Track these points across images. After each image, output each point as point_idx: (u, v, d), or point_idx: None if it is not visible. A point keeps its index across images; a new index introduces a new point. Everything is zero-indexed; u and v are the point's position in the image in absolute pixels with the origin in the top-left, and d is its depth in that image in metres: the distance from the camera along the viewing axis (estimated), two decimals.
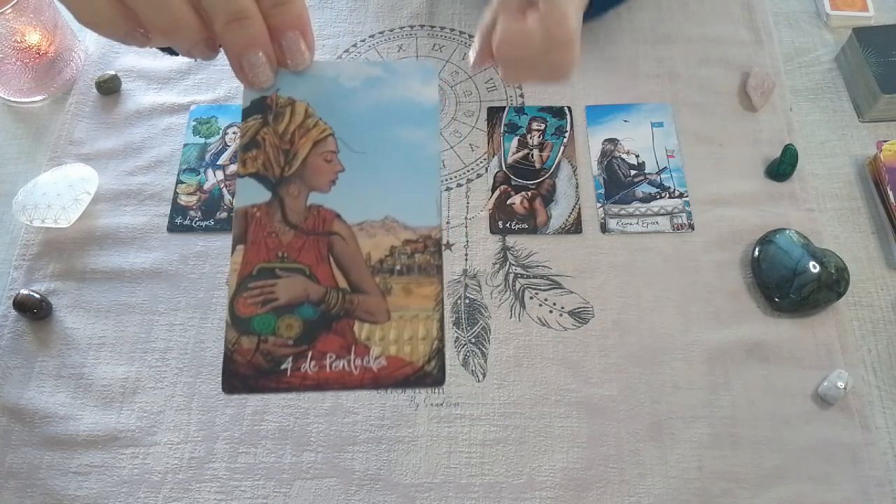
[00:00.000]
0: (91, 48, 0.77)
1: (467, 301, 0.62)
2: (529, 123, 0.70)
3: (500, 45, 0.50)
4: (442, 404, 0.57)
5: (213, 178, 0.68)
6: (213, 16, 0.30)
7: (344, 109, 0.36)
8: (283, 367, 0.32)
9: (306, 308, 0.33)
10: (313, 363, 0.32)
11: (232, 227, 0.34)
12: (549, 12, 0.49)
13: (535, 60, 0.50)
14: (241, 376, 0.31)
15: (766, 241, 0.61)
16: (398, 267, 0.33)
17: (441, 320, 0.32)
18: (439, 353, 0.32)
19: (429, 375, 0.32)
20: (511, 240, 0.64)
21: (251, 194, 0.34)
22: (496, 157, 0.69)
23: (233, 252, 0.33)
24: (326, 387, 0.31)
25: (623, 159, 0.68)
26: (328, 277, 0.33)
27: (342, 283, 0.33)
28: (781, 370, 0.58)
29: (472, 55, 0.53)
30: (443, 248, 0.34)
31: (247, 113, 0.36)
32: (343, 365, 0.32)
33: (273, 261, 0.33)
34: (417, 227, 0.34)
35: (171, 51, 0.51)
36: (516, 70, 0.52)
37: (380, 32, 0.77)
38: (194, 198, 0.68)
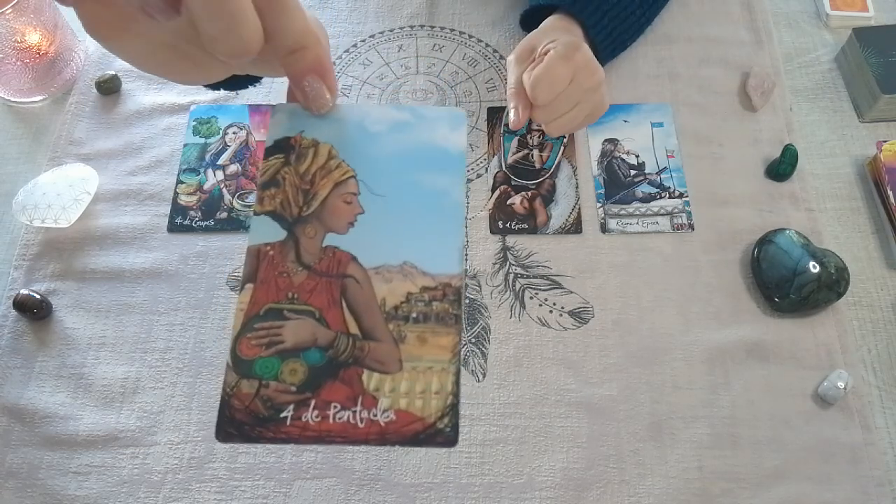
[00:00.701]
0: (91, 48, 0.77)
1: (467, 301, 0.62)
2: (529, 123, 0.70)
3: (534, 89, 0.55)
4: None
5: (213, 179, 0.68)
6: (278, 45, 0.31)
7: (368, 152, 0.35)
8: (283, 415, 0.30)
9: (313, 353, 0.31)
10: (316, 413, 0.30)
11: (243, 264, 0.33)
12: (560, 44, 0.56)
13: (571, 95, 0.55)
14: (237, 423, 0.30)
15: (765, 241, 0.61)
16: (414, 314, 0.32)
17: (457, 374, 0.30)
18: (453, 410, 0.30)
19: (440, 434, 0.29)
20: (511, 240, 0.64)
21: (265, 233, 0.33)
22: (496, 157, 0.69)
23: (241, 290, 0.32)
24: (328, 440, 0.29)
25: (623, 159, 0.68)
26: (339, 322, 0.32)
27: (353, 329, 0.32)
28: (781, 370, 0.58)
29: (511, 115, 0.57)
30: (463, 298, 0.33)
31: (269, 152, 0.35)
32: (348, 416, 0.30)
33: (282, 301, 0.32)
34: (437, 275, 0.32)
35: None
36: (557, 110, 0.58)
37: (380, 32, 0.77)
38: (194, 198, 0.68)
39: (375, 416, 0.30)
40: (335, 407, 0.30)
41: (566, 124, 0.60)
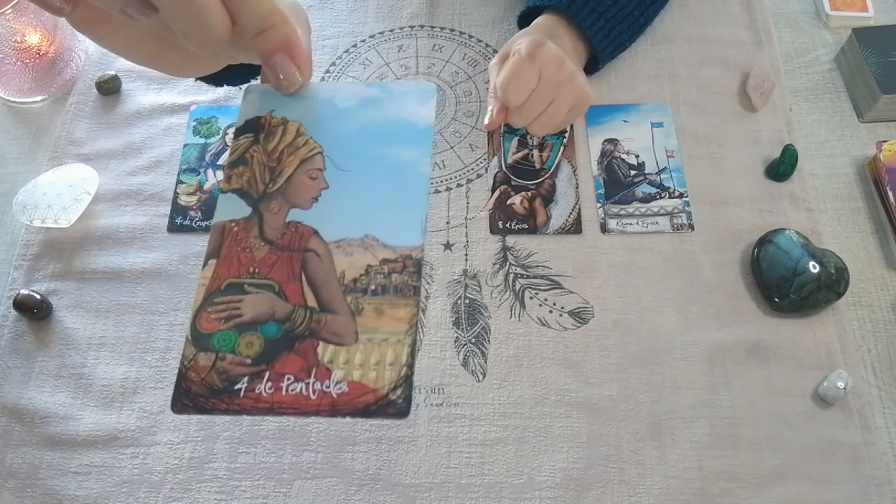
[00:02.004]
0: (91, 48, 0.77)
1: (467, 301, 0.62)
2: None
3: (504, 93, 0.57)
4: (442, 404, 0.57)
5: (213, 179, 0.68)
6: (245, 27, 0.32)
7: (335, 129, 0.36)
8: (237, 387, 0.30)
9: (270, 326, 0.31)
10: (269, 385, 0.30)
11: (208, 241, 0.33)
12: (524, 44, 0.58)
13: (542, 93, 0.56)
14: (192, 395, 0.30)
15: (765, 241, 0.61)
16: (372, 286, 0.32)
17: (413, 345, 0.30)
18: (407, 381, 0.30)
19: (392, 405, 0.29)
20: (511, 240, 0.64)
21: (231, 210, 0.34)
22: (496, 157, 0.69)
23: (204, 266, 0.33)
24: (280, 411, 0.30)
25: (623, 159, 0.68)
26: (297, 295, 0.32)
27: (311, 302, 0.32)
28: (781, 370, 0.58)
29: (486, 118, 0.58)
30: (423, 269, 0.33)
31: (239, 131, 0.36)
32: (301, 388, 0.30)
33: (243, 276, 0.32)
34: (398, 247, 0.33)
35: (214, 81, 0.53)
36: (533, 110, 0.58)
37: (380, 32, 0.77)
38: (194, 198, 0.68)
39: (328, 387, 0.30)
40: (289, 379, 0.30)
41: (547, 122, 0.59)
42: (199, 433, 0.57)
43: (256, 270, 0.33)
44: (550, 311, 0.61)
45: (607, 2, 0.64)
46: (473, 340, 0.60)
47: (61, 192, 0.66)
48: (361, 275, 0.32)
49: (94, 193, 0.67)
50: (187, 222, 0.66)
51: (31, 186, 0.67)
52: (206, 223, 0.66)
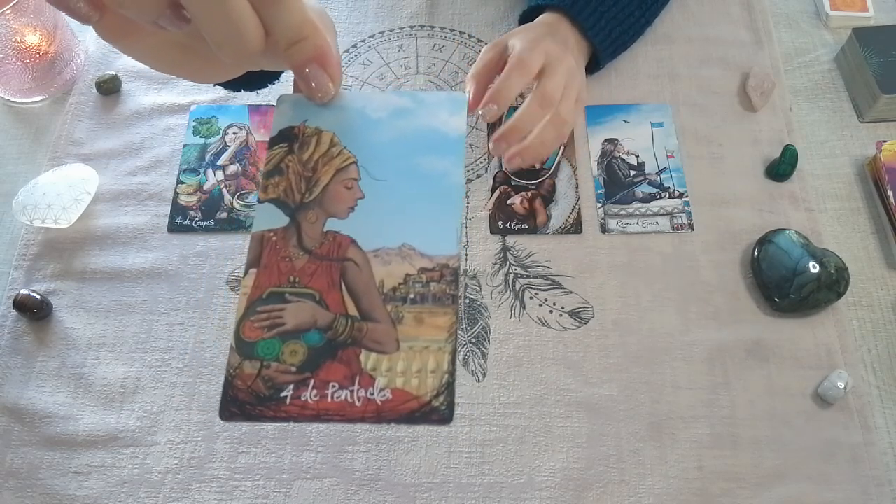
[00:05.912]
0: (91, 48, 0.77)
1: (467, 301, 0.62)
2: None
3: (495, 97, 0.55)
4: None
5: (213, 179, 0.68)
6: (279, 38, 0.32)
7: (369, 139, 0.36)
8: (283, 394, 0.31)
9: (313, 334, 0.32)
10: (314, 392, 0.31)
11: (247, 250, 0.34)
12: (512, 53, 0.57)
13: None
14: (239, 403, 0.31)
15: (765, 241, 0.61)
16: (412, 295, 0.32)
17: (453, 353, 0.31)
18: (449, 388, 0.30)
19: (435, 411, 0.30)
20: (511, 240, 0.64)
21: (269, 219, 0.35)
22: (496, 157, 0.69)
23: (245, 275, 0.33)
24: (326, 418, 0.30)
25: (623, 159, 0.68)
26: (338, 304, 0.33)
27: (352, 311, 0.32)
28: (781, 370, 0.58)
29: (469, 97, 0.58)
30: (461, 278, 0.34)
31: (273, 141, 0.36)
32: (345, 395, 0.31)
33: (284, 285, 0.33)
34: (435, 256, 0.33)
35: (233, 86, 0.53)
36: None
37: (380, 33, 0.77)
38: (194, 198, 0.68)
39: (372, 394, 0.31)
40: (333, 386, 0.31)
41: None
42: (199, 433, 0.57)
43: (297, 279, 0.33)
44: (550, 311, 0.61)
45: (609, 2, 0.64)
46: (473, 340, 0.60)
47: (61, 192, 0.66)
48: (400, 284, 0.33)
49: (94, 193, 0.67)
50: (187, 222, 0.66)
51: (31, 186, 0.67)
52: (205, 223, 0.66)
